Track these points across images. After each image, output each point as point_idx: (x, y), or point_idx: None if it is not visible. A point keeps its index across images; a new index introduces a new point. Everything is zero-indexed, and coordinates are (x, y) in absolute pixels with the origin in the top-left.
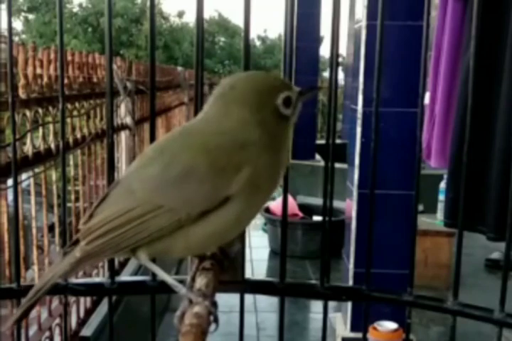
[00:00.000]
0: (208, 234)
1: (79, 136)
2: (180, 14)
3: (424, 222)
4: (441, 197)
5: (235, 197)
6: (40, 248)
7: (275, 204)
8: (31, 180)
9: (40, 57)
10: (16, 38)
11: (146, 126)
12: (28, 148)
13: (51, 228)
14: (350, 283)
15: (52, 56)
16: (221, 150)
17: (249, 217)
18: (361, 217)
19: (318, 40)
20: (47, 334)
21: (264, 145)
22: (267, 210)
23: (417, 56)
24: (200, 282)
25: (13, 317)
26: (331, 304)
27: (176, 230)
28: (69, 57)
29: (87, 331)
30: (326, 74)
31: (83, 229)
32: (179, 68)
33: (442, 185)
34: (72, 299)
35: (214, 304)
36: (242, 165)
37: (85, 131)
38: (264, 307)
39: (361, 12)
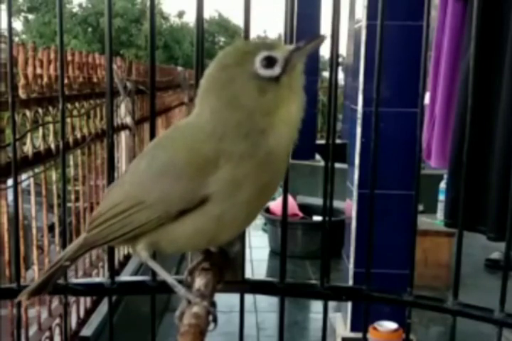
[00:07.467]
0: (190, 234)
1: (79, 136)
2: (180, 14)
3: (424, 222)
4: (441, 197)
5: (213, 197)
6: (40, 248)
7: (275, 204)
8: (31, 180)
9: (40, 57)
10: (16, 38)
11: (146, 126)
12: (28, 148)
13: (51, 228)
14: (350, 283)
15: (52, 56)
16: (197, 147)
17: (237, 218)
18: (361, 217)
19: None
20: (47, 334)
21: (243, 131)
22: (267, 210)
23: (417, 56)
24: (199, 282)
25: (27, 290)
26: (331, 304)
27: (158, 227)
28: (69, 57)
29: (87, 331)
30: (326, 74)
31: (90, 218)
32: (179, 68)
33: (442, 185)
34: (72, 299)
35: (213, 304)
36: (220, 161)
37: (85, 131)
38: (264, 307)
39: (361, 12)
